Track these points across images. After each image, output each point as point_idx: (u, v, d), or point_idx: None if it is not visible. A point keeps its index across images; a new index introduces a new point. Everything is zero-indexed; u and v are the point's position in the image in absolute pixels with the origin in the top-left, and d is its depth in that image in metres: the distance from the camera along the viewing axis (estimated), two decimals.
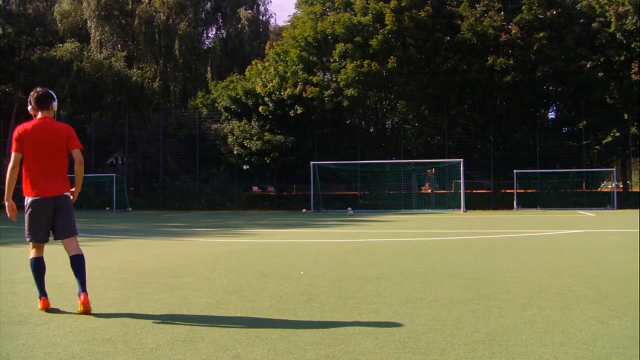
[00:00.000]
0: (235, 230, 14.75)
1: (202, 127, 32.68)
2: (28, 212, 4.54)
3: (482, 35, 28.44)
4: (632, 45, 26.87)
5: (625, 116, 28.82)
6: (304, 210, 26.14)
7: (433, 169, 30.04)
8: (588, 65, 27.13)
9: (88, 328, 3.89)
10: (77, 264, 4.53)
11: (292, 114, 29.18)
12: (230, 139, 29.75)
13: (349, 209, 25.32)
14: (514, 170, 27.63)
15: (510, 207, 27.79)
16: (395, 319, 4.09)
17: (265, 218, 21.47)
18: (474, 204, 28.43)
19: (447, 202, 28.28)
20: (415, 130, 33.54)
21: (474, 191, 29.73)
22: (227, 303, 4.74)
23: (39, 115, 4.57)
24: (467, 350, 3.29)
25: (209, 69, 37.23)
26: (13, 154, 4.47)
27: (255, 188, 34.33)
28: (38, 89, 4.68)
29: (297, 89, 29.01)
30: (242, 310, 4.43)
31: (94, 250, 9.30)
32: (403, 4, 28.87)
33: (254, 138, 29.18)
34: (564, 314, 4.22)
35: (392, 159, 30.69)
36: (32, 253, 4.59)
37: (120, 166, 38.29)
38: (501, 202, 28.91)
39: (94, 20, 38.02)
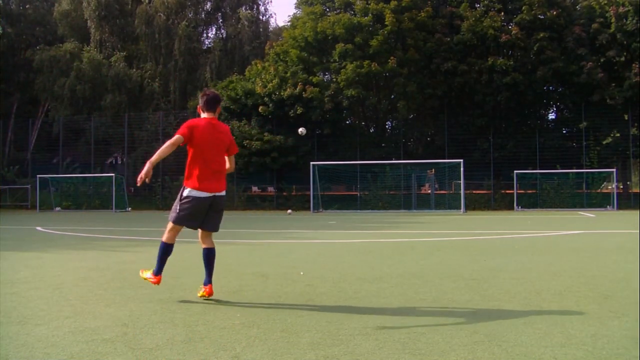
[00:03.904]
0: (235, 230, 14.74)
1: None
2: (190, 204, 4.67)
3: (482, 36, 28.48)
4: (633, 46, 26.88)
5: (626, 117, 28.83)
6: (289, 211, 26.12)
7: (433, 170, 30.04)
8: (588, 66, 27.14)
9: (87, 328, 3.88)
10: (209, 256, 4.86)
11: (292, 114, 29.19)
12: None
13: (289, 211, 26.07)
14: (514, 171, 27.63)
15: (511, 208, 27.80)
16: (395, 319, 4.09)
17: (265, 218, 21.46)
18: (474, 204, 28.43)
19: (447, 203, 28.30)
20: (415, 130, 33.55)
21: (474, 192, 29.73)
22: (227, 303, 4.74)
23: (205, 115, 4.80)
24: (466, 351, 3.29)
25: (208, 69, 37.24)
26: (178, 136, 4.55)
27: (254, 188, 34.33)
28: (207, 91, 4.95)
29: (297, 89, 29.02)
30: (242, 310, 4.42)
31: (94, 250, 9.31)
32: (403, 5, 28.91)
33: (254, 138, 29.18)
34: (563, 314, 4.21)
35: (392, 160, 30.68)
36: (168, 237, 4.83)
37: (119, 166, 38.29)
38: (501, 203, 28.92)
39: (94, 20, 38.05)
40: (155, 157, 4.51)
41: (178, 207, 4.71)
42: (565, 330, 3.75)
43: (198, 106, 4.88)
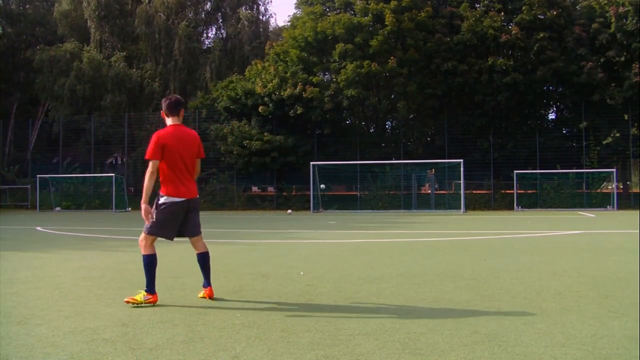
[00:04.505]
0: (235, 230, 14.75)
1: (201, 127, 32.68)
2: (165, 210, 4.70)
3: (482, 36, 28.47)
4: (633, 46, 26.86)
5: (626, 117, 28.82)
6: (289, 211, 26.12)
7: (433, 170, 30.03)
8: (588, 66, 27.13)
9: (87, 328, 3.88)
10: (204, 260, 4.94)
11: (292, 114, 29.18)
12: (230, 139, 29.75)
13: (289, 211, 26.11)
14: (514, 171, 27.63)
15: (511, 208, 27.80)
16: (395, 319, 4.09)
17: (265, 218, 21.46)
18: (474, 204, 28.43)
19: (447, 203, 28.29)
20: (415, 130, 33.55)
21: (474, 192, 29.72)
22: (226, 303, 4.74)
23: (170, 120, 4.83)
24: (466, 351, 3.29)
25: (208, 69, 37.23)
26: (153, 161, 4.64)
27: (254, 188, 34.32)
28: (170, 95, 5.00)
29: (297, 89, 29.01)
30: (242, 310, 4.43)
31: (94, 250, 9.30)
32: (403, 5, 28.90)
33: (254, 138, 29.18)
34: (563, 314, 4.21)
35: (392, 160, 30.68)
36: (149, 249, 4.74)
37: (119, 166, 38.29)
38: (501, 203, 28.91)
39: (94, 20, 38.04)
40: (144, 197, 4.61)
41: (154, 216, 4.69)
42: (565, 330, 3.75)
43: (162, 111, 4.88)
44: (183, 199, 4.71)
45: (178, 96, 5.01)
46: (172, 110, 4.82)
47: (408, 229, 14.87)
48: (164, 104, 4.85)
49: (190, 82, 38.55)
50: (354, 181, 31.45)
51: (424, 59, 29.41)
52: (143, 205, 4.62)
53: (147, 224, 4.69)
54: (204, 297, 4.89)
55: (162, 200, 4.72)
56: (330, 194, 30.82)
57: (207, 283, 4.92)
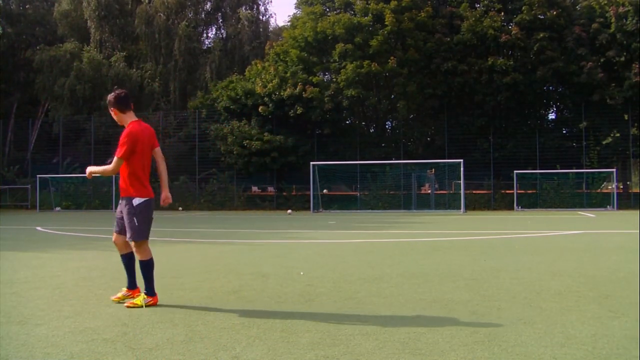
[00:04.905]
0: (235, 230, 14.74)
1: (201, 127, 32.69)
2: (145, 209, 4.63)
3: (482, 36, 28.47)
4: (633, 46, 26.87)
5: (626, 117, 28.81)
6: (289, 211, 26.13)
7: (433, 170, 30.04)
8: (588, 66, 27.13)
9: (87, 328, 3.88)
10: (133, 260, 4.84)
11: (292, 114, 29.19)
12: (229, 139, 29.75)
13: (289, 211, 26.15)
14: (514, 171, 27.63)
15: (511, 208, 27.79)
16: (395, 319, 4.09)
17: (265, 218, 21.46)
18: (474, 204, 28.43)
19: (446, 203, 28.29)
20: (415, 130, 33.56)
21: (474, 192, 29.72)
22: (226, 303, 4.74)
23: (127, 116, 4.64)
24: (466, 351, 3.29)
25: (208, 69, 37.25)
26: (118, 159, 4.53)
27: (254, 188, 34.33)
28: (115, 90, 4.73)
29: (297, 89, 29.01)
30: (242, 310, 4.42)
31: (94, 250, 9.31)
32: (403, 5, 28.91)
33: (254, 138, 29.18)
34: (563, 314, 4.21)
35: (392, 160, 30.68)
36: (146, 254, 4.68)
37: None
38: (501, 203, 28.91)
39: (94, 20, 38.06)
40: (99, 169, 4.74)
41: (136, 220, 4.58)
42: (565, 330, 3.75)
43: (113, 109, 4.61)
44: (152, 198, 4.69)
45: (122, 89, 4.79)
46: (127, 105, 4.64)
47: (408, 229, 14.87)
48: (114, 100, 4.56)
49: (190, 82, 38.56)
50: (354, 181, 31.46)
51: (424, 59, 29.41)
52: (92, 169, 4.76)
53: (129, 232, 4.61)
54: (119, 299, 4.72)
55: (136, 201, 4.58)
56: (331, 194, 30.83)
57: (135, 285, 4.79)
